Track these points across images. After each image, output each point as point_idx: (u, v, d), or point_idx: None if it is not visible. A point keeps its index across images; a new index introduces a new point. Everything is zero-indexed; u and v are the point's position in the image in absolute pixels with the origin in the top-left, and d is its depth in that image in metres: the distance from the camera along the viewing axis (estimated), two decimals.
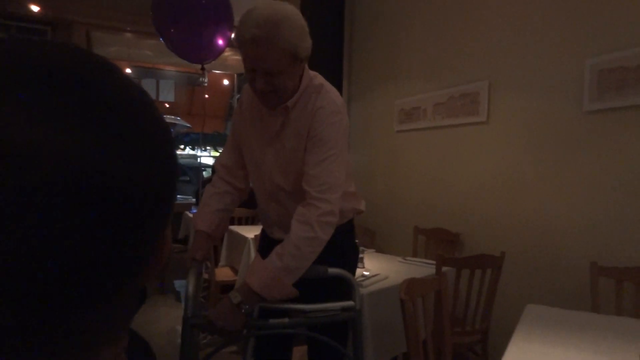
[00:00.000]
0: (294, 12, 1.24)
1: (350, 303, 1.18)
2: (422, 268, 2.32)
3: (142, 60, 6.27)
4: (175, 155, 0.30)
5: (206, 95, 9.46)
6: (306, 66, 1.37)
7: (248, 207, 4.16)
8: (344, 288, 1.33)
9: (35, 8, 3.98)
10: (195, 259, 1.37)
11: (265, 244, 1.55)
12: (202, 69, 3.06)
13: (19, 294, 0.22)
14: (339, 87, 3.88)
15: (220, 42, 2.73)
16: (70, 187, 0.22)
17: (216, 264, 3.38)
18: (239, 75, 7.36)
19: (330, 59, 3.82)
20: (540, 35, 2.43)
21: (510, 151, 2.60)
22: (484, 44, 2.77)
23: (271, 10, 1.19)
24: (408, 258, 2.57)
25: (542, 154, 2.42)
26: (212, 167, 5.90)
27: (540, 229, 2.41)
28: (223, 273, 3.36)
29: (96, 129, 0.24)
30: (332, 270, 1.21)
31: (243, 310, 1.17)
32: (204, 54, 2.78)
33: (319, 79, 1.40)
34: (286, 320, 1.17)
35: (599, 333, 1.38)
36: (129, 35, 4.74)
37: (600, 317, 1.60)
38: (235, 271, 3.30)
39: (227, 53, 5.31)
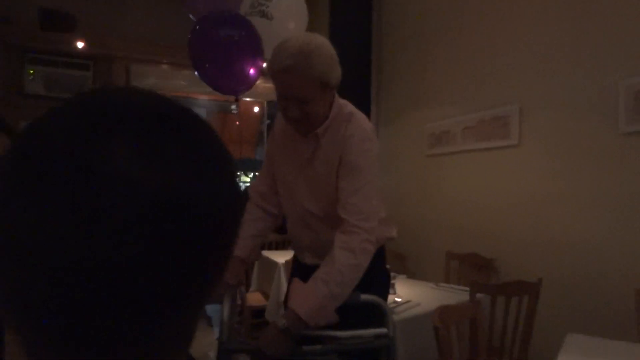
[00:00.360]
0: (324, 42, 1.29)
1: (383, 330, 1.17)
2: (455, 294, 2.27)
3: (177, 90, 6.54)
4: (238, 182, 0.33)
5: (237, 122, 9.71)
6: (336, 94, 1.41)
7: (279, 232, 4.20)
8: (376, 315, 1.32)
9: (80, 44, 4.24)
10: (229, 284, 1.39)
11: (298, 270, 1.56)
12: (236, 99, 3.19)
13: (126, 299, 0.26)
14: (367, 113, 3.92)
15: (252, 73, 2.84)
16: (167, 213, 0.27)
17: (247, 289, 3.41)
18: (269, 102, 7.54)
19: (359, 85, 3.87)
20: (572, 56, 2.41)
21: (544, 174, 2.54)
22: (514, 66, 2.76)
23: (302, 42, 1.24)
24: (441, 284, 2.52)
25: (577, 176, 2.36)
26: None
27: (580, 253, 2.33)
28: (254, 298, 3.37)
29: (188, 164, 0.28)
30: (365, 297, 1.22)
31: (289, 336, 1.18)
32: (237, 86, 2.90)
33: (349, 107, 1.43)
34: (319, 347, 1.17)
35: None
36: (165, 67, 4.97)
37: None
38: (267, 296, 3.31)
39: (258, 81, 5.47)
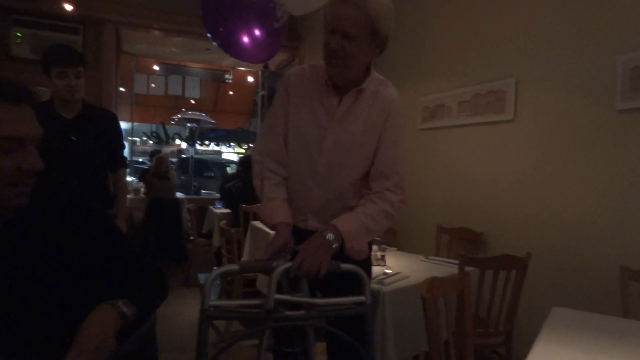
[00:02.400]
0: None
1: (361, 298, 1.19)
2: (444, 267, 2.30)
3: (169, 57, 6.39)
4: None
5: (231, 92, 9.58)
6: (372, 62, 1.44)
7: None
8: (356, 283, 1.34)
9: (68, 7, 4.10)
10: (281, 252, 1.33)
11: (294, 236, 1.51)
12: (266, 67, 3.19)
13: None
14: None
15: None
16: None
17: (239, 259, 3.43)
18: (263, 71, 7.41)
19: None
20: (569, 31, 2.37)
21: (538, 150, 2.54)
22: (510, 40, 2.71)
23: None
24: (430, 257, 2.55)
25: (571, 153, 2.36)
26: (238, 163, 5.97)
27: (568, 230, 2.35)
28: None
29: None
30: (345, 266, 1.23)
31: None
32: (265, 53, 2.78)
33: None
34: (302, 312, 1.19)
35: (629, 339, 1.34)
36: (156, 33, 4.84)
37: (630, 322, 1.56)
38: None
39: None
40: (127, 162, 2.49)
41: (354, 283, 1.22)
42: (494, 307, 2.14)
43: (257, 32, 2.61)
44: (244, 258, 3.60)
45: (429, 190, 3.40)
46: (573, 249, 2.33)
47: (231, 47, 2.75)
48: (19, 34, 4.13)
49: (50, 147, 1.32)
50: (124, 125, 8.16)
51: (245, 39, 2.62)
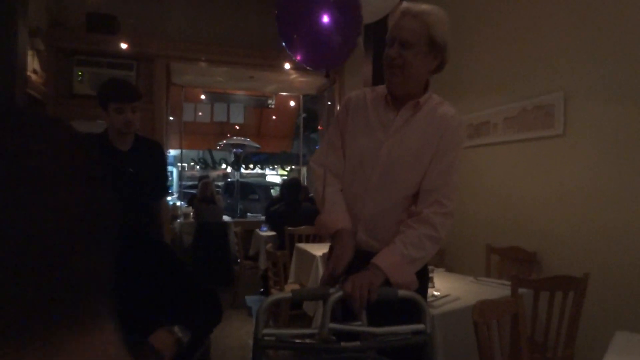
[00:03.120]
0: (442, 10, 1.45)
1: (420, 326, 1.15)
2: (496, 289, 2.22)
3: (214, 86, 6.68)
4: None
5: (274, 117, 9.82)
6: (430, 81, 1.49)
7: None
8: (413, 312, 1.32)
9: (124, 45, 4.41)
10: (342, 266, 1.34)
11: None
12: (327, 75, 3.19)
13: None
14: None
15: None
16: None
17: (285, 281, 3.46)
18: (305, 96, 7.57)
19: None
20: (617, 40, 2.28)
21: (591, 164, 2.43)
22: (556, 53, 2.64)
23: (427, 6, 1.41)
24: (481, 278, 2.47)
25: (627, 167, 2.24)
26: (281, 185, 6.08)
27: (628, 247, 2.22)
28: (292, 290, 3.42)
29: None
30: (403, 293, 1.19)
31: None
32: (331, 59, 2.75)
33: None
34: (357, 343, 1.16)
35: None
36: (203, 64, 5.09)
37: None
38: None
39: (293, 76, 5.51)
40: (173, 189, 2.65)
41: (411, 311, 1.20)
42: (552, 331, 2.04)
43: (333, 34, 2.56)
44: (290, 280, 3.63)
45: (476, 209, 3.32)
46: (633, 268, 2.19)
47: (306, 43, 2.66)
48: (80, 73, 4.47)
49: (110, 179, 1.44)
50: (173, 152, 8.56)
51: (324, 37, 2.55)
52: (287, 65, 5.00)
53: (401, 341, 1.15)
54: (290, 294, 1.22)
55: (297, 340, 1.16)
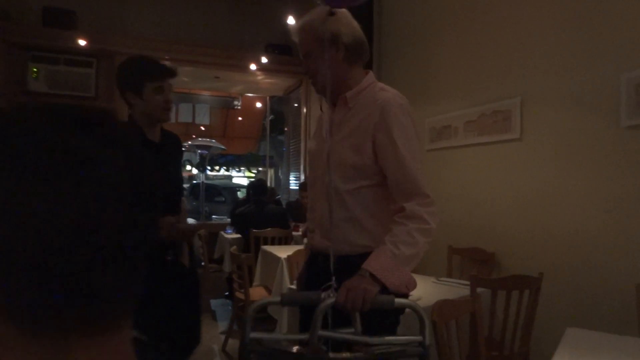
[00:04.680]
0: (324, 7, 1.39)
1: (418, 338, 1.07)
2: (456, 289, 2.27)
3: (179, 86, 6.55)
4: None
5: (240, 118, 9.72)
6: (371, 73, 1.48)
7: (282, 227, 4.22)
8: (394, 321, 1.31)
9: (82, 42, 4.25)
10: None
11: (309, 262, 1.53)
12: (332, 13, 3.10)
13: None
14: None
15: None
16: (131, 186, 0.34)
17: (250, 284, 3.43)
18: (271, 97, 7.53)
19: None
20: (573, 49, 2.39)
21: (546, 168, 2.54)
22: (515, 59, 2.75)
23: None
24: (442, 278, 2.53)
25: (578, 170, 2.35)
26: (248, 187, 6.02)
27: (580, 248, 2.33)
28: (257, 293, 3.39)
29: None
30: (400, 302, 1.13)
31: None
32: None
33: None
34: (348, 355, 1.09)
35: None
36: (167, 63, 4.96)
37: None
38: (269, 291, 3.33)
39: (260, 77, 5.47)
40: None
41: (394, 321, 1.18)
42: (508, 329, 2.11)
43: None
44: (255, 283, 3.60)
45: (438, 210, 3.39)
46: (586, 268, 2.30)
47: None
48: (35, 69, 4.27)
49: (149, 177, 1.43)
50: None
51: None
52: (253, 66, 4.96)
53: (396, 353, 1.09)
54: (279, 298, 1.17)
55: (285, 349, 1.12)
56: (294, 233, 4.30)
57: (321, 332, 1.08)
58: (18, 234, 0.29)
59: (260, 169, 10.91)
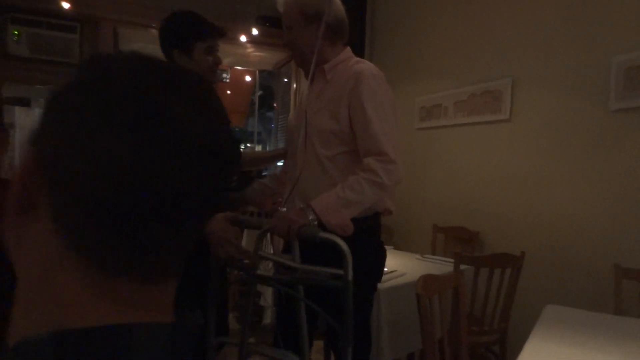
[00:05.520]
0: None
1: (340, 271, 1.15)
2: (440, 266, 2.31)
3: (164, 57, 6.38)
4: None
5: (228, 91, 9.56)
6: (348, 48, 1.54)
7: None
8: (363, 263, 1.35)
9: (65, 5, 4.09)
10: None
11: None
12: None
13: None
14: None
15: None
16: (211, 152, 0.37)
17: None
18: (261, 71, 7.41)
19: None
20: (564, 32, 2.38)
21: (533, 149, 2.56)
22: (506, 40, 2.73)
23: None
24: (426, 256, 2.56)
25: (566, 153, 2.37)
26: None
27: (562, 229, 2.37)
28: None
29: (220, 118, 0.39)
30: (324, 235, 1.21)
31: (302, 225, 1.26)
32: None
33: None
34: (271, 275, 1.24)
35: (621, 336, 1.36)
36: (154, 31, 4.83)
37: (623, 319, 1.57)
38: None
39: (249, 49, 5.36)
40: None
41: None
42: (489, 306, 2.15)
43: None
44: None
45: (425, 189, 3.42)
46: (567, 248, 2.34)
47: None
48: (16, 32, 4.12)
49: None
50: None
51: None
52: (243, 38, 4.85)
53: (318, 281, 1.19)
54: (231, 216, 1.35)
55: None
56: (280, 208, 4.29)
57: (260, 253, 1.27)
58: (94, 172, 0.31)
59: (248, 144, 10.83)
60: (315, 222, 1.29)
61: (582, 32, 2.30)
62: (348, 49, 1.54)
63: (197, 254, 1.31)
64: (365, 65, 1.45)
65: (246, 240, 3.61)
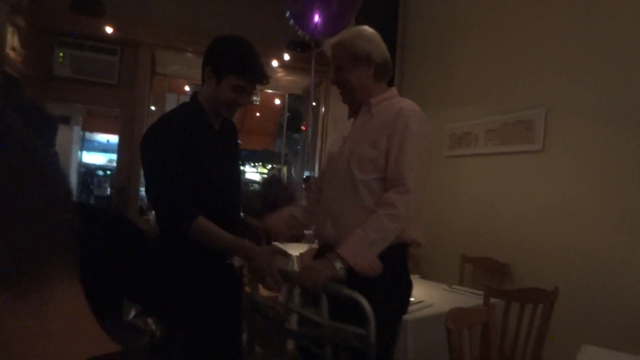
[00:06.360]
0: (362, 27, 1.62)
1: (362, 331, 1.14)
2: (468, 298, 2.25)
3: (200, 78, 6.60)
4: None
5: (257, 114, 9.76)
6: (394, 88, 1.66)
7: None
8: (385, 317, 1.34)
9: (109, 29, 4.30)
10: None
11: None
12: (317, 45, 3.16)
13: None
14: None
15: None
16: None
17: None
18: (290, 95, 7.55)
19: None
20: (601, 58, 2.35)
21: (568, 181, 2.49)
22: (540, 68, 2.70)
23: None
24: (454, 286, 2.50)
25: (602, 185, 2.30)
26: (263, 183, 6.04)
27: (599, 264, 2.28)
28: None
29: None
30: (347, 291, 1.21)
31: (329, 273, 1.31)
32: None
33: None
34: (296, 329, 1.22)
35: None
36: (189, 55, 5.01)
37: None
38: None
39: (280, 74, 5.48)
40: None
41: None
42: (520, 342, 2.07)
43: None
44: None
45: (453, 218, 3.36)
46: (604, 284, 2.25)
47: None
48: (61, 54, 4.34)
49: (208, 165, 1.49)
50: None
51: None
52: (274, 63, 4.97)
53: (340, 339, 1.19)
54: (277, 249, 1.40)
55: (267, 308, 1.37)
56: (305, 231, 4.29)
57: (291, 306, 1.27)
58: None
59: (274, 165, 10.95)
60: (343, 270, 1.33)
61: (619, 58, 2.26)
62: (393, 88, 1.65)
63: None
64: (408, 103, 1.55)
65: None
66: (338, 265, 1.33)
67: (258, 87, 1.62)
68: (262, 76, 1.54)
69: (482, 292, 2.10)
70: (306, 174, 6.03)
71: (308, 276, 1.32)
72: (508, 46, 2.97)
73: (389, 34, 3.98)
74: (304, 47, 5.03)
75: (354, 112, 1.65)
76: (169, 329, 1.02)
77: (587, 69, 2.42)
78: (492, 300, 2.01)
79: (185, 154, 1.42)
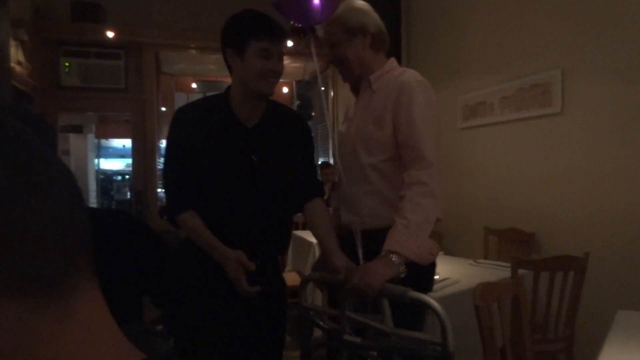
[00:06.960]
0: (349, 1, 1.53)
1: (438, 340, 1.01)
2: (495, 271, 2.20)
3: (206, 74, 6.57)
4: None
5: None
6: (393, 59, 1.58)
7: None
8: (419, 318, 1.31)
9: (110, 34, 4.30)
10: None
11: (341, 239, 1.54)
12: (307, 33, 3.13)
13: None
14: None
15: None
16: None
17: (283, 269, 3.44)
18: (298, 82, 7.47)
19: (387, 54, 3.77)
20: (618, 15, 2.22)
21: (590, 143, 2.39)
22: (554, 27, 2.58)
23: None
24: (479, 260, 2.45)
25: (626, 145, 2.20)
26: None
27: (629, 227, 2.20)
28: (290, 277, 3.39)
29: None
30: (414, 294, 1.06)
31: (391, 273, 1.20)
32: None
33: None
34: (359, 340, 1.11)
35: None
36: (193, 52, 4.99)
37: None
38: (302, 276, 3.33)
39: (287, 61, 5.41)
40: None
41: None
42: (552, 312, 2.02)
43: None
44: (288, 268, 3.61)
45: (473, 190, 3.29)
46: (634, 247, 2.16)
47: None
48: (67, 64, 4.37)
49: (227, 171, 1.38)
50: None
51: None
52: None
53: (411, 350, 1.05)
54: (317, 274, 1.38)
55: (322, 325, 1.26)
56: None
57: (348, 313, 1.15)
58: None
59: None
60: (403, 266, 1.23)
61: (635, 17, 2.14)
62: (393, 59, 1.57)
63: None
64: (409, 74, 1.47)
65: (291, 261, 3.61)
66: (397, 261, 1.22)
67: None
68: (281, 32, 1.39)
69: (509, 264, 2.05)
70: (321, 160, 6.00)
71: (365, 279, 1.17)
72: (518, 6, 2.85)
73: (394, 7, 3.87)
74: (306, 33, 4.95)
75: (355, 90, 1.60)
76: (185, 328, 1.02)
77: (603, 26, 2.30)
78: (520, 271, 1.96)
79: (186, 147, 1.37)
